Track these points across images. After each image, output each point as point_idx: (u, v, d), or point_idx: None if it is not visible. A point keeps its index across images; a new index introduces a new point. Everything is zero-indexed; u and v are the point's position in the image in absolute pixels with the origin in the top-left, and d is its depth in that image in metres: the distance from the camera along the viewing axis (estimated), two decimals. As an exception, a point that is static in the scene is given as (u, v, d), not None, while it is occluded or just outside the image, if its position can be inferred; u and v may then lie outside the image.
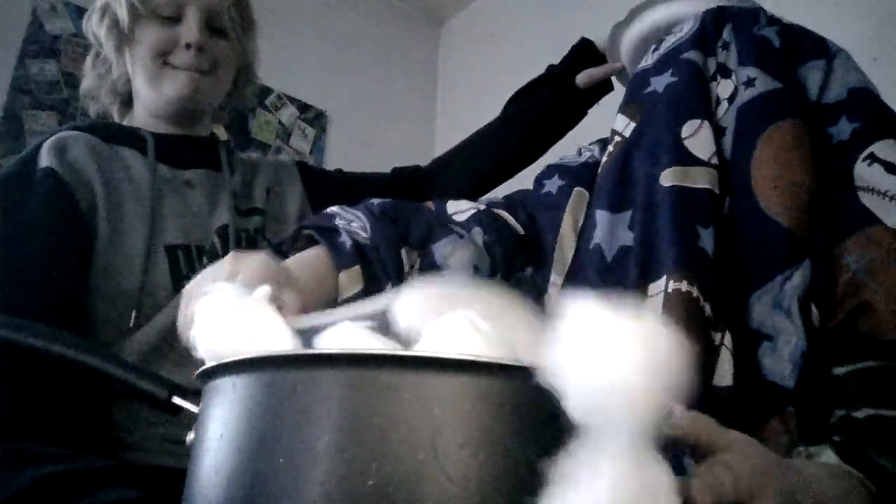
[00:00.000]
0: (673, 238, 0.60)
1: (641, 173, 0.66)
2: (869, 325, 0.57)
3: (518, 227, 0.82)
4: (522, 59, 2.41)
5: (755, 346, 0.59)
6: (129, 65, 0.98)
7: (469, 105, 2.55)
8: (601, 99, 1.16)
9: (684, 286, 0.57)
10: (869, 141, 0.63)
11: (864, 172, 0.62)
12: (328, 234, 0.72)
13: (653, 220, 0.63)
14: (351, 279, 0.69)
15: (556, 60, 1.18)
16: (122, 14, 0.95)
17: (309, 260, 0.70)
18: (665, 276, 0.58)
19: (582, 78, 1.11)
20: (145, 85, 0.97)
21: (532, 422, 0.28)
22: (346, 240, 0.71)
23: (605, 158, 0.72)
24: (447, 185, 1.11)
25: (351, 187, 1.07)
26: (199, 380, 0.36)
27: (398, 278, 0.72)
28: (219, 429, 0.31)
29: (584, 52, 1.13)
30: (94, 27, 0.99)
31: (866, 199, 0.61)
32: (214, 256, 0.91)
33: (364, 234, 0.72)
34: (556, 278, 0.74)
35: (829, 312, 0.59)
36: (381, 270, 0.72)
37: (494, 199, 0.87)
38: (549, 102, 1.14)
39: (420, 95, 2.74)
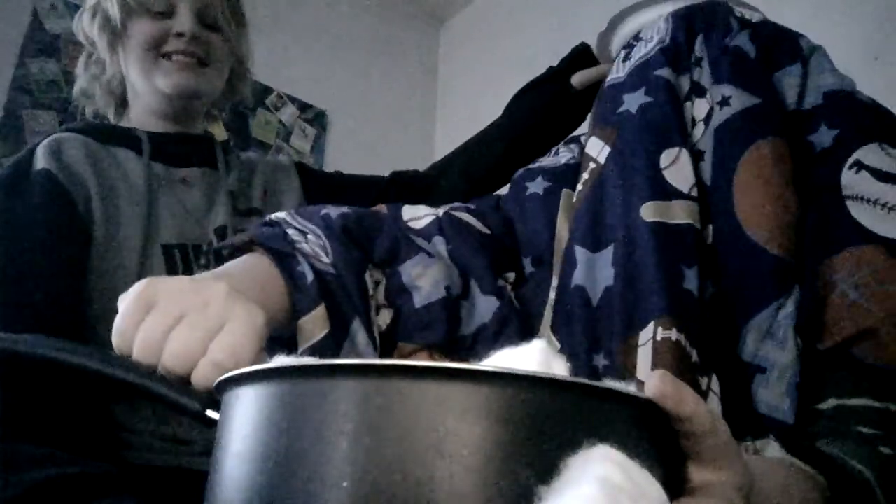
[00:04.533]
0: (658, 281, 0.57)
1: (619, 206, 0.62)
2: (870, 351, 0.55)
3: (484, 228, 0.75)
4: (522, 59, 2.42)
5: (749, 380, 0.57)
6: (123, 62, 0.98)
7: (469, 105, 2.55)
8: None
9: (673, 334, 0.55)
10: (852, 147, 0.60)
11: (852, 181, 0.59)
12: (286, 260, 0.61)
13: (634, 257, 0.60)
14: (316, 323, 0.58)
15: (556, 60, 1.19)
16: (114, 11, 0.95)
17: (260, 283, 0.57)
18: (652, 324, 0.56)
19: (576, 79, 1.13)
20: (140, 78, 0.97)
21: (541, 431, 0.28)
22: (306, 270, 0.60)
23: (580, 186, 0.68)
24: (447, 189, 1.11)
25: (349, 190, 1.07)
26: (217, 390, 0.36)
27: (365, 307, 0.63)
28: (236, 441, 0.32)
29: (582, 56, 1.15)
30: (86, 27, 0.99)
31: (856, 210, 0.58)
32: (212, 256, 0.92)
33: (325, 258, 0.63)
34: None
35: (816, 334, 0.57)
36: (347, 305, 0.62)
37: (457, 205, 0.80)
38: (547, 103, 1.15)
39: (420, 95, 2.74)
